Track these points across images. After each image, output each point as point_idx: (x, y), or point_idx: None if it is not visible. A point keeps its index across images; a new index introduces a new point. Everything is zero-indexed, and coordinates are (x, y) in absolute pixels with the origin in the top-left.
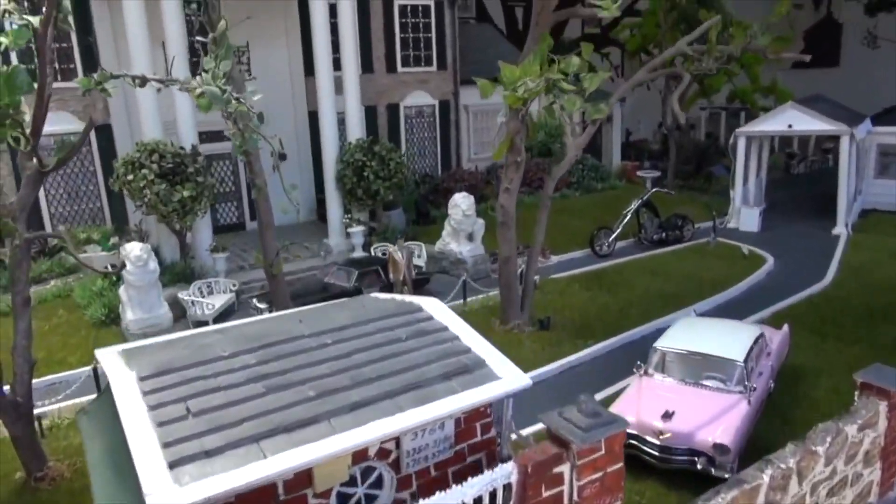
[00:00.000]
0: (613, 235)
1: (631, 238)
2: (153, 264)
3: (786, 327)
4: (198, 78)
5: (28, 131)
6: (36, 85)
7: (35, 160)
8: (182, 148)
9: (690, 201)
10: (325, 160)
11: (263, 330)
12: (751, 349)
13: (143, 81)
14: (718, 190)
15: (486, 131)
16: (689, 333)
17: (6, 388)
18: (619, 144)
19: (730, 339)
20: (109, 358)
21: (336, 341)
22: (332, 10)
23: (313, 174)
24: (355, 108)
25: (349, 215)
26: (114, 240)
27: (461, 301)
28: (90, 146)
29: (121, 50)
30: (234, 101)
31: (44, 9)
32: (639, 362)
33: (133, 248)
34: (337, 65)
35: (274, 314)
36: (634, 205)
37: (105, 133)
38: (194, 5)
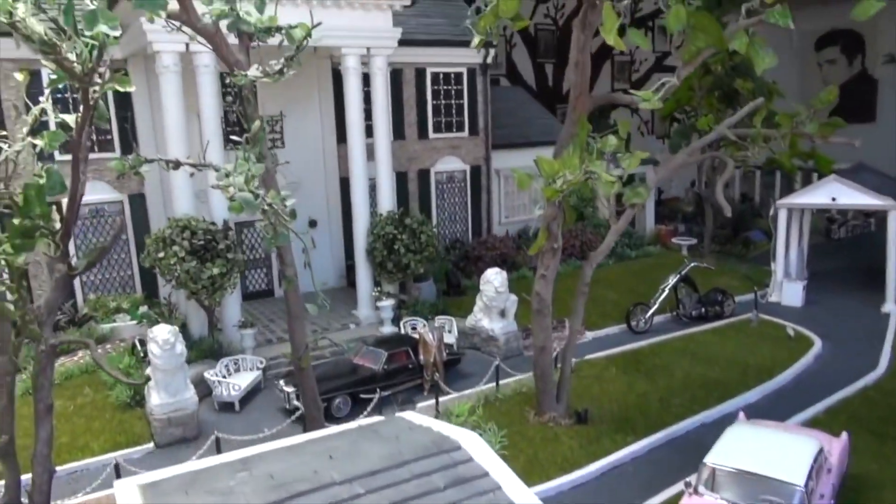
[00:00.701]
0: (650, 312)
1: (668, 313)
2: (180, 347)
3: (844, 436)
4: (231, 178)
5: (58, 236)
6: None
7: (65, 264)
8: (213, 223)
9: (730, 272)
10: (356, 233)
11: (292, 470)
12: (811, 469)
13: (177, 165)
14: (756, 256)
15: (517, 195)
16: (741, 446)
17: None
18: (652, 208)
19: (787, 457)
20: (128, 496)
21: (368, 491)
22: (366, 78)
23: (343, 239)
24: (387, 177)
25: (378, 288)
26: (143, 309)
27: (493, 385)
28: (123, 215)
29: (156, 118)
30: (266, 207)
31: (80, 109)
32: (687, 479)
33: (161, 332)
34: (369, 131)
35: (303, 439)
36: (672, 280)
37: (138, 202)
38: (230, 98)
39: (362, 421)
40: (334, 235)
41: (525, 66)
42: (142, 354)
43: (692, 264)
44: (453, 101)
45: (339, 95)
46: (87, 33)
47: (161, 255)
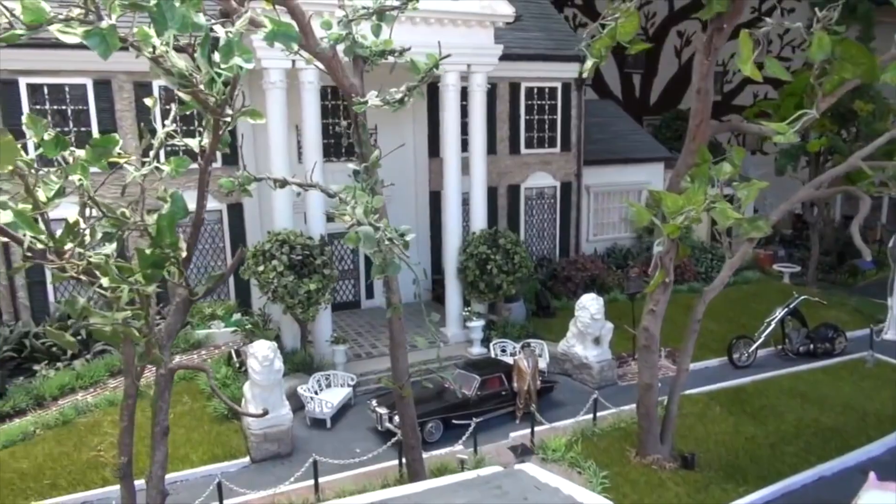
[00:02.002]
0: (755, 346)
1: (771, 347)
2: (279, 363)
3: None
4: (348, 208)
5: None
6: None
7: (185, 289)
8: (310, 238)
9: (837, 304)
10: (447, 250)
11: None
12: None
13: (284, 184)
14: (864, 286)
15: (606, 212)
16: None
17: None
18: None
19: None
20: None
21: None
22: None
23: (430, 253)
24: (480, 195)
25: (468, 308)
26: (236, 316)
27: (590, 417)
28: (221, 224)
29: (257, 130)
30: (387, 241)
31: (204, 139)
32: None
33: (260, 348)
34: (463, 146)
35: (422, 488)
36: (779, 313)
37: (236, 211)
38: (344, 123)
39: (481, 471)
40: (422, 249)
41: (612, 77)
42: (237, 365)
43: (802, 297)
44: (546, 117)
45: (432, 109)
46: (223, 66)
47: (261, 268)
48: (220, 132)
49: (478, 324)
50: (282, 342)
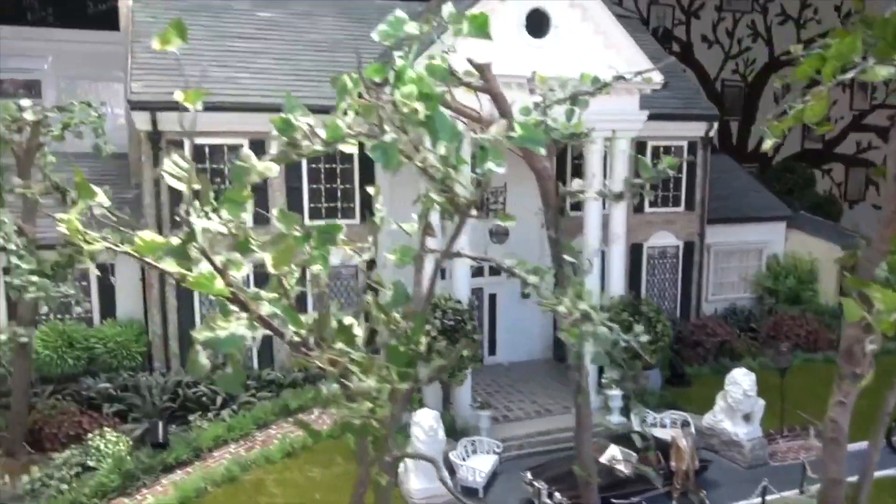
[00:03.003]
0: None
1: None
2: (442, 433)
3: None
4: (568, 301)
5: None
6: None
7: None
8: (458, 301)
9: None
10: None
11: None
12: None
13: (455, 255)
14: None
15: (726, 272)
16: None
17: None
18: None
19: None
20: None
21: None
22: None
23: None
24: (620, 261)
25: (607, 375)
26: None
27: (758, 501)
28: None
29: (395, 185)
30: (623, 343)
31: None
32: None
33: (425, 418)
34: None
35: None
36: None
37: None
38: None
39: None
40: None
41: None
42: None
43: None
44: (671, 175)
45: (560, 167)
46: (477, 170)
47: None
48: (461, 228)
49: (617, 392)
50: (424, 404)
